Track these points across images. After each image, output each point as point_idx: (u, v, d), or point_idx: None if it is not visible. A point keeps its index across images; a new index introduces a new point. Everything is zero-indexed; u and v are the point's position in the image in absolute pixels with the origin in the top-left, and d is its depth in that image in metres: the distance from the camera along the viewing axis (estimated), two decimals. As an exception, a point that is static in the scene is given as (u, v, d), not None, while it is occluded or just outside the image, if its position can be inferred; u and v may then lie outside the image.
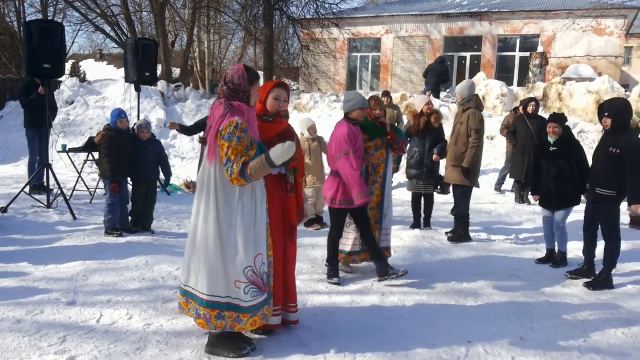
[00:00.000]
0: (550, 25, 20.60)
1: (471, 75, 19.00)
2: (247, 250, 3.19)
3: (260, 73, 19.94)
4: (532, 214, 7.84)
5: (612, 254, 4.98)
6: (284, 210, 3.63)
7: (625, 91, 14.17)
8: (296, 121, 6.58)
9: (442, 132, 6.74)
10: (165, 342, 3.51)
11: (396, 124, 10.02)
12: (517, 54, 21.52)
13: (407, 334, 3.77)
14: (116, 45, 21.91)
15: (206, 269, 3.20)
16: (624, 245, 5.91)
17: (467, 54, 22.46)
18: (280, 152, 3.05)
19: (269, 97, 3.58)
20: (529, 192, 8.65)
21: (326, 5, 19.88)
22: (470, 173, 6.30)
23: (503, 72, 21.39)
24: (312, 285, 4.74)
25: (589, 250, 5.23)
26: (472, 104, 6.37)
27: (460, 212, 6.43)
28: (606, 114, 4.79)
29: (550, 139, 5.47)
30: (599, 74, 16.33)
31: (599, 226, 5.10)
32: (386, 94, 10.34)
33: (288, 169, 3.59)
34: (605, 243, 5.02)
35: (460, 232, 6.43)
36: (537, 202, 5.84)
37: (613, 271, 5.05)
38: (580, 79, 15.82)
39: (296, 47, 22.58)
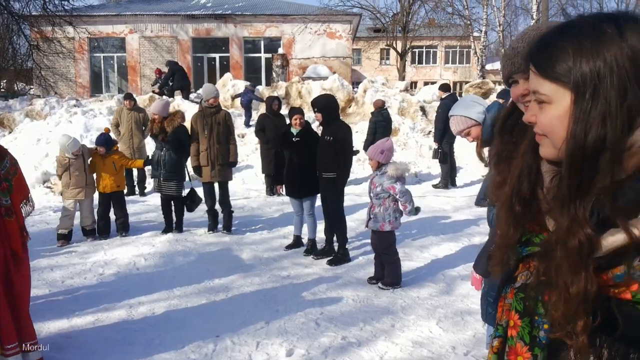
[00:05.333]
0: (290, 29, 22.29)
1: (221, 76, 19.39)
2: None
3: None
4: (281, 204, 8.38)
5: (341, 231, 5.62)
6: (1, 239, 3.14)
7: (354, 88, 16.16)
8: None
9: (182, 134, 6.71)
10: None
11: (143, 128, 9.67)
12: (263, 56, 22.75)
13: (155, 342, 3.68)
14: None
15: None
16: (355, 224, 6.77)
17: (217, 55, 22.89)
18: None
19: None
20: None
21: (56, 2, 18.05)
22: (232, 167, 6.84)
23: (251, 72, 22.39)
24: (49, 312, 4.26)
25: (329, 230, 5.78)
26: (220, 105, 6.75)
27: (227, 207, 6.78)
28: (315, 110, 5.43)
29: (294, 130, 5.92)
30: (334, 73, 18.28)
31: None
32: (129, 97, 9.86)
33: (0, 190, 3.12)
34: (333, 222, 5.63)
35: (226, 224, 6.77)
36: (284, 191, 6.26)
37: (348, 246, 5.72)
38: (319, 78, 17.49)
39: (26, 47, 20.02)
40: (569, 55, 0.84)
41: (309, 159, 5.78)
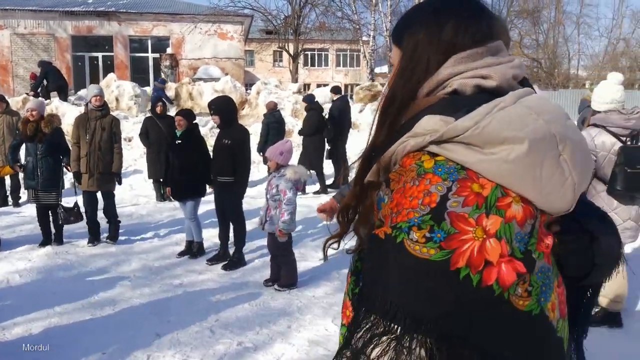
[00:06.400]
0: (178, 28, 21.58)
1: (105, 76, 18.35)
2: None
3: None
4: (173, 209, 8.08)
5: (240, 235, 5.57)
6: None
7: (247, 90, 16.04)
8: None
9: (61, 136, 6.24)
10: None
11: (17, 132, 8.87)
12: (150, 55, 21.85)
13: (34, 366, 3.38)
14: None
15: None
16: (250, 226, 6.69)
17: (99, 54, 21.63)
18: None
19: None
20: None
21: None
22: (117, 177, 6.42)
23: (138, 72, 21.39)
24: None
25: (223, 235, 5.69)
26: (108, 109, 6.38)
27: (113, 215, 6.43)
28: (212, 112, 5.30)
29: (177, 132, 5.77)
30: (226, 75, 18.01)
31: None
32: (1, 99, 8.98)
33: None
34: (233, 226, 5.57)
35: (112, 234, 6.42)
36: (171, 195, 6.07)
37: (245, 249, 5.65)
38: (211, 79, 17.14)
39: None
40: (406, 23, 1.01)
41: (191, 161, 5.68)
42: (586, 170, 0.88)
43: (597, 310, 3.89)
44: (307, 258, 5.71)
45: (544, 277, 0.84)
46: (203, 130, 9.75)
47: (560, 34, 37.03)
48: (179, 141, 5.71)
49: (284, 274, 4.83)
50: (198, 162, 5.69)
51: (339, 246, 1.09)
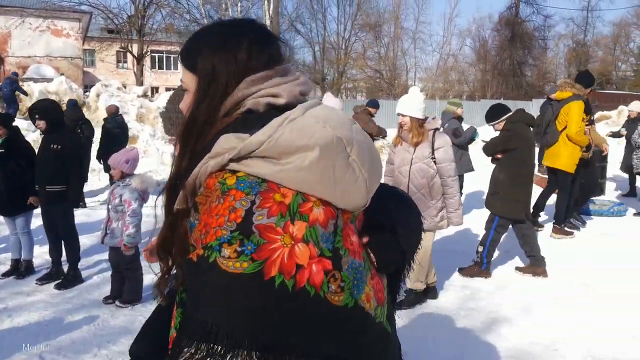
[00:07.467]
0: (3, 22, 19.39)
1: None
2: None
3: None
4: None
5: (74, 250, 5.13)
6: None
7: (85, 92, 14.92)
8: None
9: None
10: None
11: None
12: (-32, 50, 19.31)
13: None
14: None
15: None
16: (89, 240, 6.22)
17: None
18: None
19: None
20: None
21: None
22: None
23: (-47, 69, 18.76)
24: None
25: (54, 250, 5.20)
26: None
27: None
28: (37, 116, 4.87)
29: None
30: (62, 75, 16.55)
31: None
32: None
33: None
34: (64, 240, 5.12)
35: None
36: None
37: (81, 265, 5.22)
38: (42, 80, 15.65)
39: None
40: (197, 48, 1.02)
41: (17, 171, 5.17)
42: (375, 167, 0.98)
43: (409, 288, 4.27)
44: (153, 270, 5.45)
45: (355, 272, 0.90)
46: (33, 136, 8.88)
47: (399, 48, 40.32)
48: (2, 150, 5.12)
49: (127, 289, 4.56)
50: (25, 172, 5.15)
51: (166, 284, 1.06)
